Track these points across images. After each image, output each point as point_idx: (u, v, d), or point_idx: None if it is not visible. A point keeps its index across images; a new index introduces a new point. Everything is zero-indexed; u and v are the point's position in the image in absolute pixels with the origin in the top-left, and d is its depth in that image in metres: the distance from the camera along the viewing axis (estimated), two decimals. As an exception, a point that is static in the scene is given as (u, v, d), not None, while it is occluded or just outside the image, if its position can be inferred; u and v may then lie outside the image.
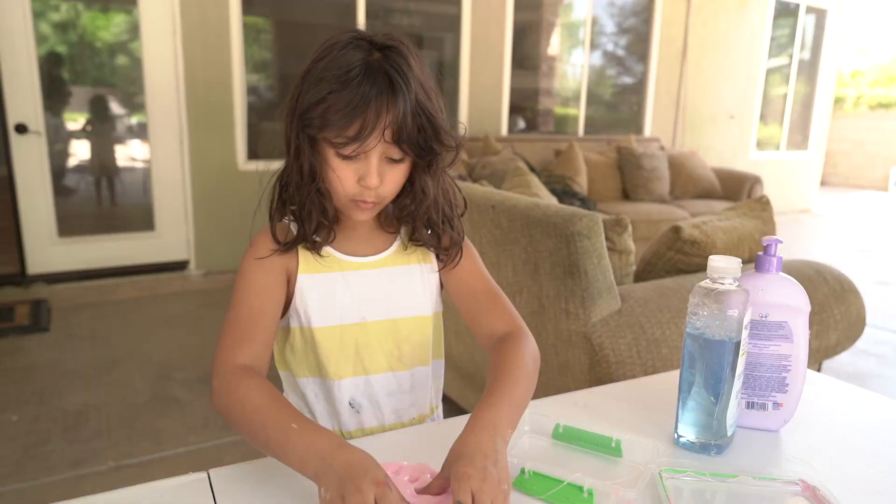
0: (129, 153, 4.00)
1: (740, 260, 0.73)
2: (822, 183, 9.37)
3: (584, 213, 1.37)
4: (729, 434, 0.75)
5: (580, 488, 0.63)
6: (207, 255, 3.97)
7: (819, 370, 2.04)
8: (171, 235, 3.92)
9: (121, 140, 3.97)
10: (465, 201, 0.88)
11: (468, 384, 1.90)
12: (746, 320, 0.73)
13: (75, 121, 3.79)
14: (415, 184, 0.79)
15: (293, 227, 0.81)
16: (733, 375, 0.72)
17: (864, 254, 5.44)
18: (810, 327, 1.75)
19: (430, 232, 0.84)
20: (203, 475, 0.68)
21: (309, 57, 0.75)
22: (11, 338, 2.94)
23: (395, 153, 0.74)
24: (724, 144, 6.67)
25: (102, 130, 3.88)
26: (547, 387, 1.51)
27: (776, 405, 0.80)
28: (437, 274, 0.88)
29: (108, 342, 2.95)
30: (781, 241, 0.80)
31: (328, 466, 0.59)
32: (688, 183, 4.88)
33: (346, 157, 0.73)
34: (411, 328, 0.86)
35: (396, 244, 0.86)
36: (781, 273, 0.80)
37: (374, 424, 0.87)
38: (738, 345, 0.71)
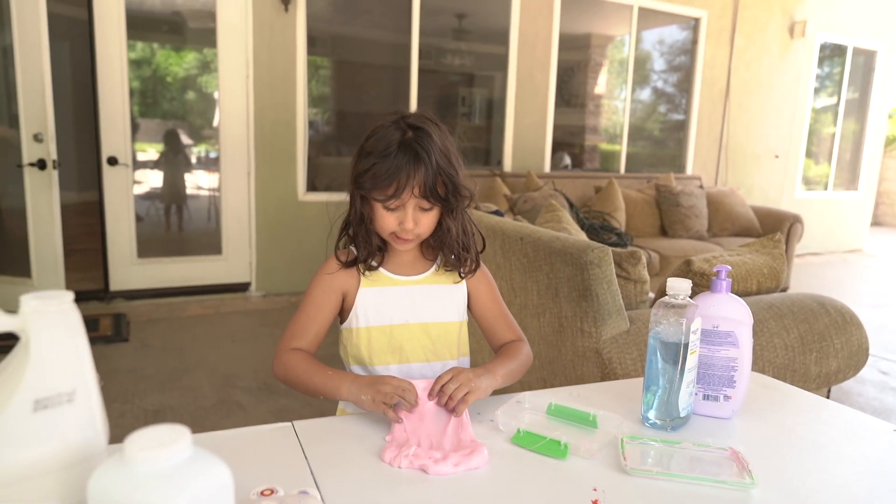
0: (197, 182, 4.44)
1: (690, 282, 0.97)
2: (875, 223, 9.23)
3: (595, 245, 1.61)
4: (682, 416, 0.97)
5: (559, 443, 0.87)
6: (267, 278, 4.34)
7: (828, 396, 2.18)
8: (236, 259, 4.31)
9: (191, 170, 4.42)
10: (482, 237, 1.19)
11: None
12: (695, 327, 0.96)
13: (144, 151, 4.20)
14: (442, 224, 1.09)
15: (354, 251, 1.12)
16: (683, 369, 0.95)
17: (912, 295, 5.41)
18: (810, 354, 1.93)
19: (454, 257, 1.13)
20: (288, 425, 0.95)
21: (363, 131, 1.09)
22: (97, 346, 3.33)
23: (425, 204, 1.04)
24: (768, 183, 6.75)
25: (175, 161, 4.34)
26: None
27: (726, 397, 1.02)
28: (465, 292, 1.17)
29: (179, 353, 3.30)
30: (730, 268, 1.03)
31: (359, 384, 0.95)
32: (726, 220, 5.01)
33: (389, 209, 1.04)
34: (442, 330, 1.15)
35: (433, 268, 1.16)
36: (730, 293, 1.03)
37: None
38: (686, 345, 0.95)
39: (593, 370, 1.67)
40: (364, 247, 1.09)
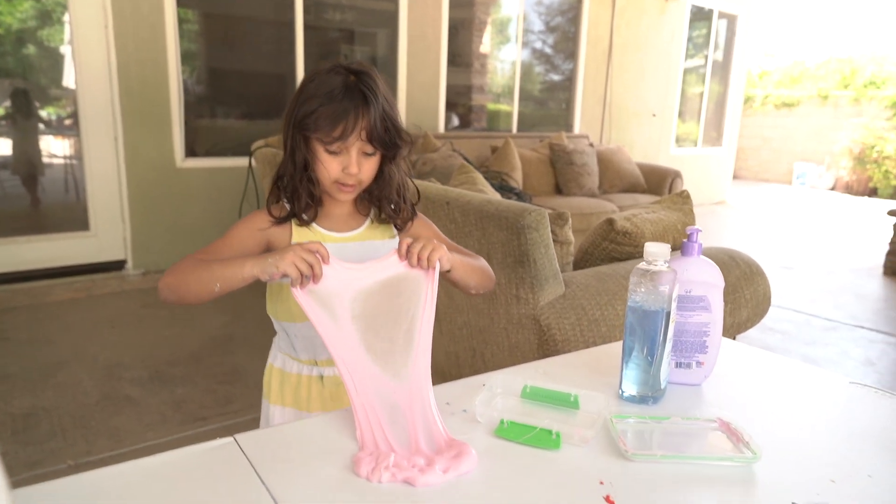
0: (50, 150, 3.88)
1: (669, 245, 0.90)
2: (735, 177, 10.08)
3: (533, 208, 1.53)
4: (663, 387, 0.92)
5: (550, 432, 0.79)
6: (145, 254, 3.92)
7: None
8: (107, 235, 3.85)
9: (43, 136, 3.85)
10: (417, 189, 1.13)
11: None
12: (675, 294, 0.90)
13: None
14: (384, 172, 1.05)
15: (286, 206, 1.05)
16: (665, 339, 0.90)
17: (771, 241, 5.96)
18: (724, 305, 1.99)
19: (392, 207, 1.08)
20: (230, 440, 0.79)
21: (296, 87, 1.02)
22: (-58, 343, 2.84)
23: (369, 148, 1.00)
24: (646, 141, 7.09)
25: (26, 126, 3.75)
26: (500, 367, 1.67)
27: (698, 364, 0.99)
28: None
29: (49, 345, 2.90)
30: (701, 231, 0.98)
31: (264, 256, 0.86)
32: (615, 178, 5.19)
33: (332, 153, 0.99)
34: None
35: (367, 223, 1.10)
36: (702, 256, 0.98)
37: None
38: (668, 314, 0.89)
39: (529, 337, 1.61)
40: (303, 197, 1.03)
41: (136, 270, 3.90)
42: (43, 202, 3.90)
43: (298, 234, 1.04)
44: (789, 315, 3.71)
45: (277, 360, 1.13)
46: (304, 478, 0.70)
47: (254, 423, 1.07)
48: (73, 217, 3.81)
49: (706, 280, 0.97)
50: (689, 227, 0.98)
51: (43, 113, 3.82)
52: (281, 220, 1.04)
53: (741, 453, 0.77)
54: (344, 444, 0.78)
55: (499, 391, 0.92)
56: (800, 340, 3.31)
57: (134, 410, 2.32)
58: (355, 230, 1.08)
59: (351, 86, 0.96)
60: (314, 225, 1.06)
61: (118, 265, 3.90)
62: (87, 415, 2.27)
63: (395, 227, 1.10)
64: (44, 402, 2.36)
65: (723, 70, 7.96)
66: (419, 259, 0.87)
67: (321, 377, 1.10)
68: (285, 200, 1.05)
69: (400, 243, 0.88)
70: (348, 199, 1.06)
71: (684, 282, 0.96)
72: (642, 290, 0.90)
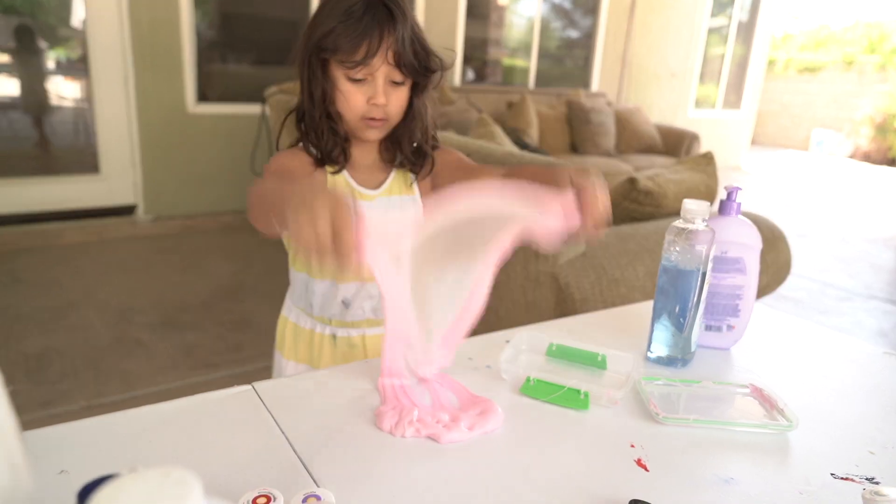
0: (59, 91, 3.81)
1: (709, 204, 0.85)
2: (753, 142, 9.86)
3: (556, 161, 1.48)
4: (693, 350, 0.89)
5: (578, 391, 0.76)
6: (156, 200, 3.89)
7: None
8: (118, 179, 3.81)
9: (51, 76, 3.76)
10: (436, 133, 1.02)
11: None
12: (711, 255, 0.86)
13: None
14: (413, 107, 0.93)
15: (312, 151, 0.94)
16: (699, 301, 0.86)
17: (786, 208, 5.86)
18: (746, 271, 1.93)
19: (416, 150, 0.97)
20: (248, 388, 0.76)
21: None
22: (-46, 282, 2.85)
23: (397, 76, 0.88)
24: (665, 102, 6.92)
25: (32, 64, 3.67)
26: (516, 325, 1.64)
27: (729, 327, 0.95)
28: (420, 203, 1.01)
29: (60, 287, 2.90)
30: (741, 189, 0.93)
31: (295, 203, 0.56)
32: (632, 138, 5.08)
33: (355, 81, 0.87)
34: None
35: (392, 176, 0.99)
36: (740, 216, 0.93)
37: (356, 319, 1.03)
38: (703, 275, 0.85)
39: (547, 295, 1.58)
40: (328, 137, 0.91)
41: (147, 216, 3.87)
42: (53, 144, 3.85)
43: (329, 180, 0.95)
44: (804, 283, 3.66)
45: (292, 313, 1.07)
46: (323, 429, 0.68)
47: (265, 372, 1.05)
48: (84, 160, 3.76)
49: (744, 241, 0.92)
50: (730, 185, 0.93)
51: (52, 53, 3.73)
52: (318, 163, 0.93)
53: (775, 420, 0.74)
54: (365, 397, 0.75)
55: (523, 348, 0.89)
56: (814, 309, 3.27)
57: (145, 354, 2.33)
58: (382, 186, 0.98)
59: (374, 2, 0.85)
60: (347, 177, 0.95)
61: (129, 210, 3.87)
62: (98, 357, 2.28)
63: (413, 174, 1.00)
64: (56, 343, 2.36)
65: (746, 31, 7.70)
66: (585, 209, 0.67)
67: (334, 337, 1.04)
68: (309, 146, 0.94)
69: (562, 176, 0.69)
70: (377, 137, 0.93)
71: (721, 242, 0.92)
72: (677, 249, 0.85)
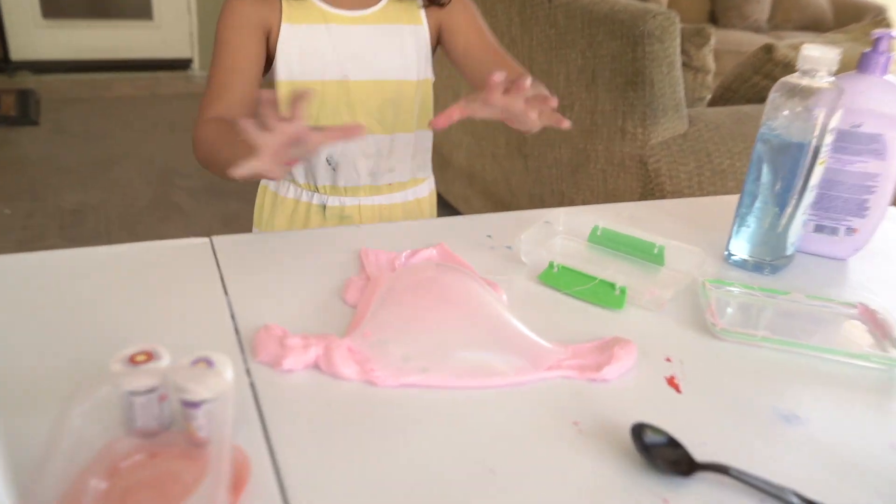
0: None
1: (840, 50, 0.69)
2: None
3: (658, 10, 1.29)
4: (788, 254, 0.76)
5: (612, 286, 0.66)
6: (213, 54, 3.92)
7: None
8: (172, 28, 3.85)
9: None
10: None
11: (496, 208, 1.93)
12: (833, 124, 0.71)
13: None
14: None
15: None
16: (806, 186, 0.71)
17: None
18: None
19: None
20: (205, 240, 0.72)
21: None
22: (-1, 127, 3.03)
23: None
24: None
25: None
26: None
27: (850, 230, 0.80)
28: (427, 36, 0.93)
29: (105, 140, 3.02)
30: (894, 35, 0.75)
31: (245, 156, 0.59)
32: (792, 9, 4.54)
33: None
34: (396, 92, 0.92)
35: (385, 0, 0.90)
36: (889, 77, 0.76)
37: (349, 184, 0.96)
38: (817, 150, 0.70)
39: (631, 184, 1.45)
40: None
41: (202, 71, 3.93)
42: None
43: (291, 11, 0.86)
44: None
45: (272, 182, 1.00)
46: (272, 296, 0.63)
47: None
48: (135, 3, 3.81)
49: (889, 112, 0.75)
50: (879, 30, 0.75)
51: None
52: None
53: (885, 352, 0.62)
54: (340, 262, 0.70)
55: (560, 229, 0.79)
56: None
57: (182, 220, 2.41)
58: (369, 8, 0.90)
59: None
60: None
61: (184, 64, 3.93)
62: (133, 219, 2.38)
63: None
64: (93, 198, 2.49)
65: None
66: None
67: (323, 206, 0.97)
68: None
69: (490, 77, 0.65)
70: None
71: (854, 111, 0.75)
72: (785, 112, 0.71)
